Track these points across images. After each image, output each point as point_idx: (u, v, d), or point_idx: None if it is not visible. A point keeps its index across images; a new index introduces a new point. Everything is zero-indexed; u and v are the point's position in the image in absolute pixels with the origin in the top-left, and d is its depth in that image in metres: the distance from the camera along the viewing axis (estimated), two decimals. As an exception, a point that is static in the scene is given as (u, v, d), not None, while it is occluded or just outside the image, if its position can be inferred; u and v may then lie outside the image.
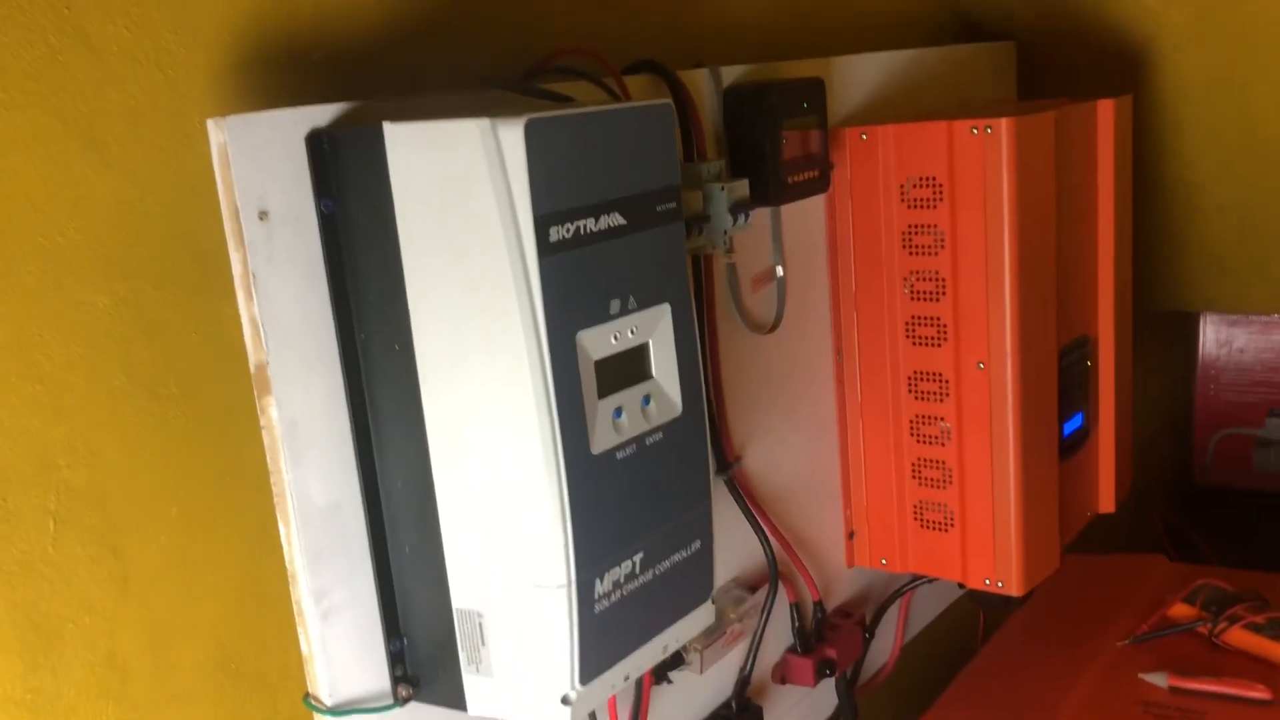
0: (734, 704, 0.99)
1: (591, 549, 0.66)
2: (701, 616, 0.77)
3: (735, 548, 1.01)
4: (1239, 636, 1.20)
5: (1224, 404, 2.23)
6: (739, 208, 0.88)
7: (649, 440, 0.70)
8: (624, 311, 0.68)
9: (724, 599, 0.98)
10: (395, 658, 0.71)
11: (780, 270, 1.04)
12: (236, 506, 0.67)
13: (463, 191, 0.62)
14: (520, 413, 0.63)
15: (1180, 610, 1.26)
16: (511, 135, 0.61)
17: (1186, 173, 1.48)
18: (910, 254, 1.08)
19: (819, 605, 1.09)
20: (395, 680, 0.71)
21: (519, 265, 0.61)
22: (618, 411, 0.68)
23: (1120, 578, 1.40)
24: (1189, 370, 2.19)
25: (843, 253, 1.12)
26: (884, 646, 1.23)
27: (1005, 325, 1.03)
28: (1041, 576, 1.11)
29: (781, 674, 1.07)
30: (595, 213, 0.65)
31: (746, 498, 1.00)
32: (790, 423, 1.08)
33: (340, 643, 0.68)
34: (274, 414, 0.64)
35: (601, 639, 0.68)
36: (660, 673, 0.91)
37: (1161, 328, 2.11)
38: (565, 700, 0.66)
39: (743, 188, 0.89)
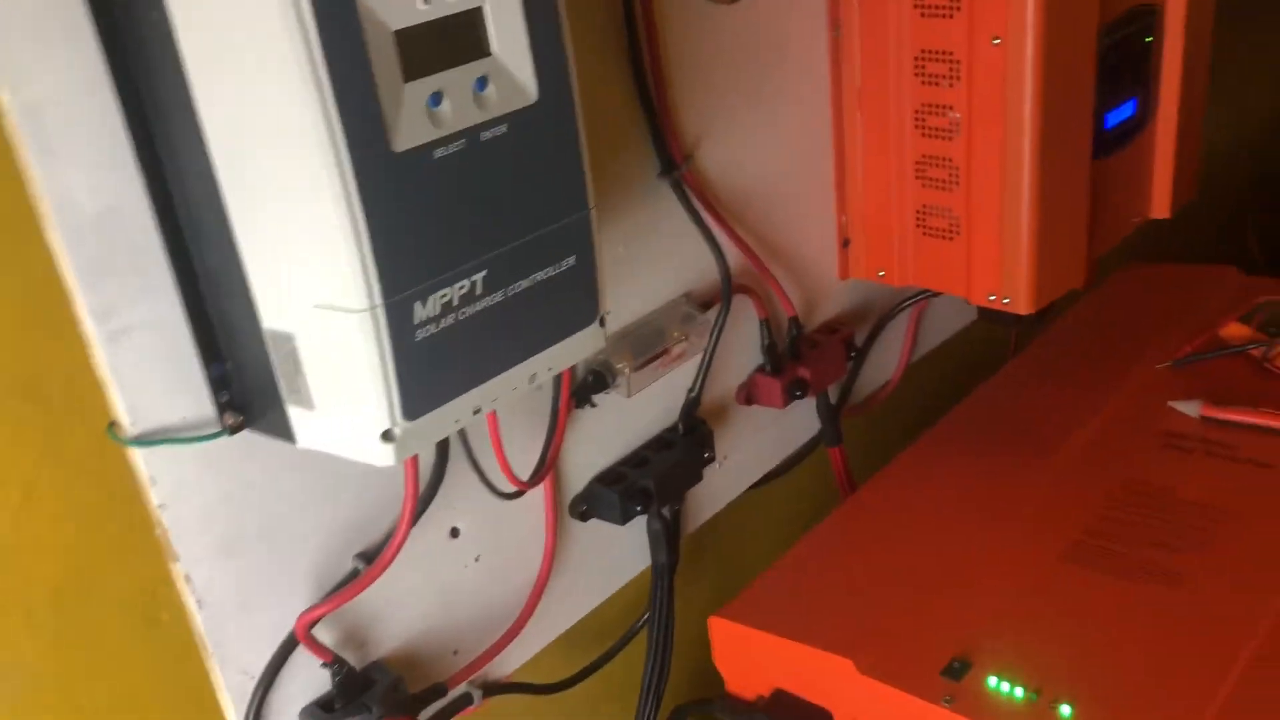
0: (680, 426, 0.90)
1: (402, 267, 0.55)
2: (584, 342, 0.66)
3: (689, 261, 0.88)
4: (1297, 363, 1.05)
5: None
6: None
7: (486, 135, 0.57)
8: (436, -36, 0.53)
9: (668, 316, 0.87)
10: (218, 383, 0.63)
11: (752, -80, 0.85)
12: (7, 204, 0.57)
13: None
14: (286, 99, 0.50)
15: (1234, 330, 1.10)
16: None
17: None
18: (921, -101, 0.87)
19: (795, 321, 0.97)
20: (221, 408, 0.63)
21: (256, -101, 0.47)
22: (435, 98, 0.54)
23: (1179, 291, 1.24)
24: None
25: (841, -101, 0.91)
26: (887, 367, 1.12)
27: (1026, -12, 0.84)
28: (1058, 293, 0.96)
29: (747, 394, 0.97)
30: None
31: (700, 201, 0.86)
32: (767, 113, 0.92)
33: (142, 367, 0.60)
34: (5, 98, 0.53)
35: (431, 369, 0.58)
36: (583, 396, 0.82)
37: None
38: (388, 436, 0.58)
39: None
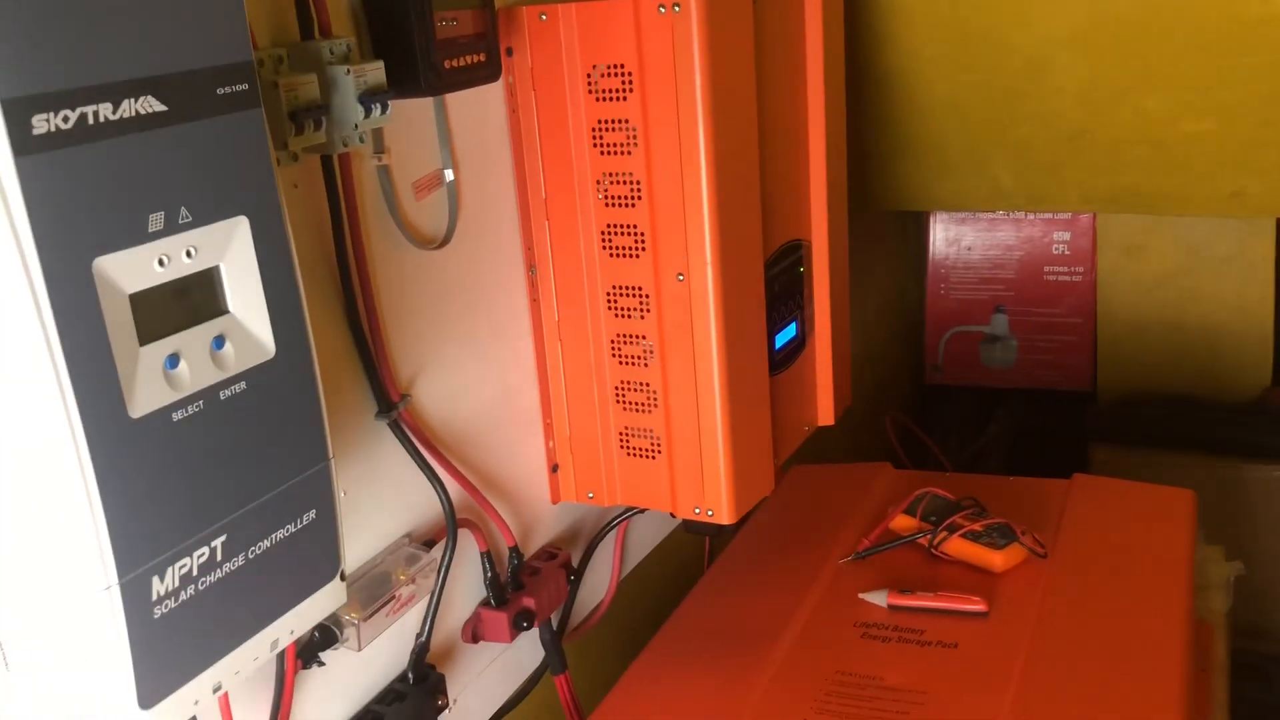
0: (410, 675, 0.86)
1: (140, 540, 0.51)
2: (325, 600, 0.63)
3: (409, 499, 0.87)
4: (958, 546, 1.17)
5: (954, 302, 2.25)
6: (373, 97, 0.73)
7: (225, 393, 0.55)
8: (172, 228, 0.52)
9: (392, 560, 0.84)
10: (-103, 693, 0.54)
11: (450, 174, 0.89)
12: None
13: (-106, 65, 0.44)
14: (14, 369, 0.47)
15: (902, 522, 1.22)
16: (-45, -16, 0.43)
17: (904, 65, 1.41)
18: (602, 153, 0.95)
19: (515, 551, 0.98)
20: (-100, 722, 0.54)
21: (-17, 168, 0.45)
22: (172, 360, 0.52)
23: (845, 489, 1.35)
24: (920, 270, 2.20)
25: (529, 153, 0.98)
26: (599, 586, 1.14)
27: (704, 232, 0.93)
28: (754, 501, 1.03)
29: (473, 631, 0.95)
30: (112, 95, 0.48)
31: (418, 439, 0.86)
32: (475, 349, 0.94)
33: None
34: None
35: (171, 647, 0.53)
36: (309, 655, 0.77)
37: (892, 228, 2.09)
38: (122, 731, 0.52)
39: (377, 72, 0.73)
